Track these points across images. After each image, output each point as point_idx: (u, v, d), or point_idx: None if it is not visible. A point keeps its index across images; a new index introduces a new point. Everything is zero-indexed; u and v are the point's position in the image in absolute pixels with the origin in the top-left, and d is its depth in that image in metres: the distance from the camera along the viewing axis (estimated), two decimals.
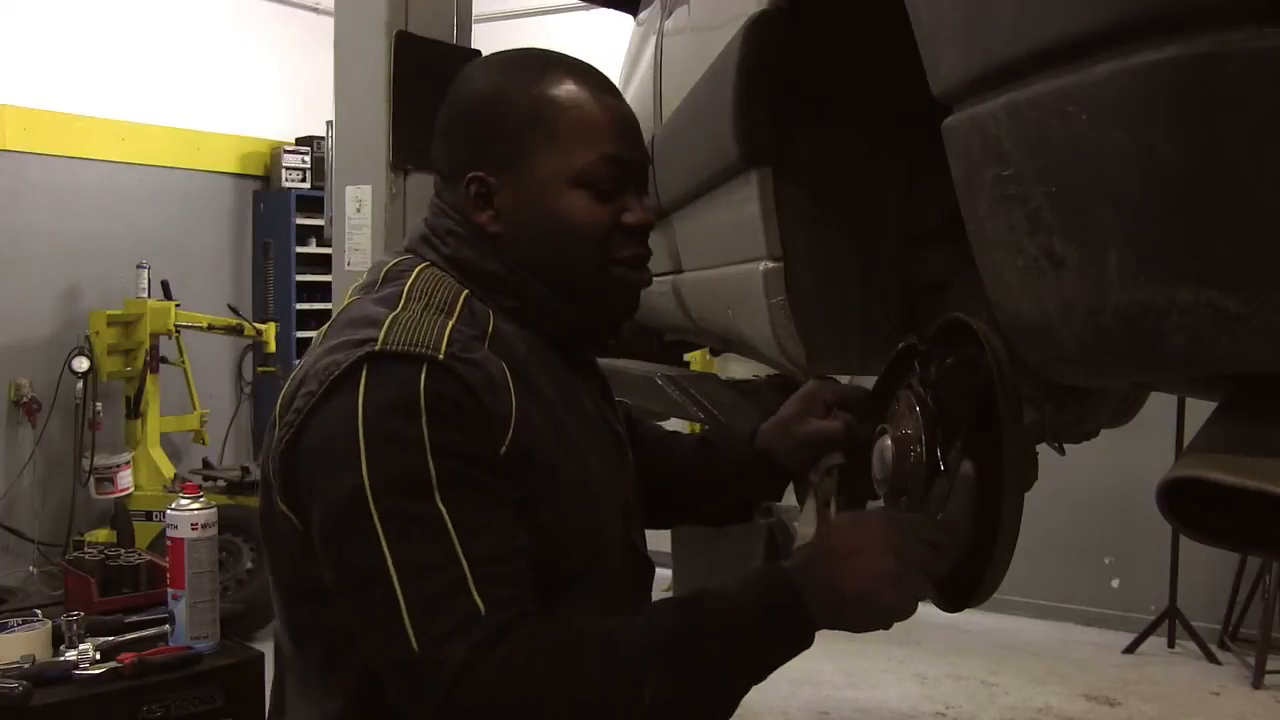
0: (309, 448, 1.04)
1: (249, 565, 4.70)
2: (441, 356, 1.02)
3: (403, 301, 1.10)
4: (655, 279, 2.89)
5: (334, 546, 1.02)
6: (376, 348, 1.03)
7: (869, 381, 1.44)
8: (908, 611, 1.06)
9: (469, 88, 1.20)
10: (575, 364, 1.22)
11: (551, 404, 1.12)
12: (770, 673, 1.09)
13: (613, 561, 1.17)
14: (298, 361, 1.29)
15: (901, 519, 1.11)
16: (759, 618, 1.05)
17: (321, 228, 5.65)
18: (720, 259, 1.92)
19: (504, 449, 1.03)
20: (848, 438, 1.35)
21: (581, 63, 1.21)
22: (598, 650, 1.01)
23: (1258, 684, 4.31)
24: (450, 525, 0.98)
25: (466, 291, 1.14)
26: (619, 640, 1.02)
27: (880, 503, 1.28)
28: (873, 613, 1.07)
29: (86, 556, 2.23)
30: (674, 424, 3.21)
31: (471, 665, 0.95)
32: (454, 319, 1.09)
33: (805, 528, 1.32)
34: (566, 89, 1.15)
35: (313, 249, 6.24)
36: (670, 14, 2.54)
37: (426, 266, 1.16)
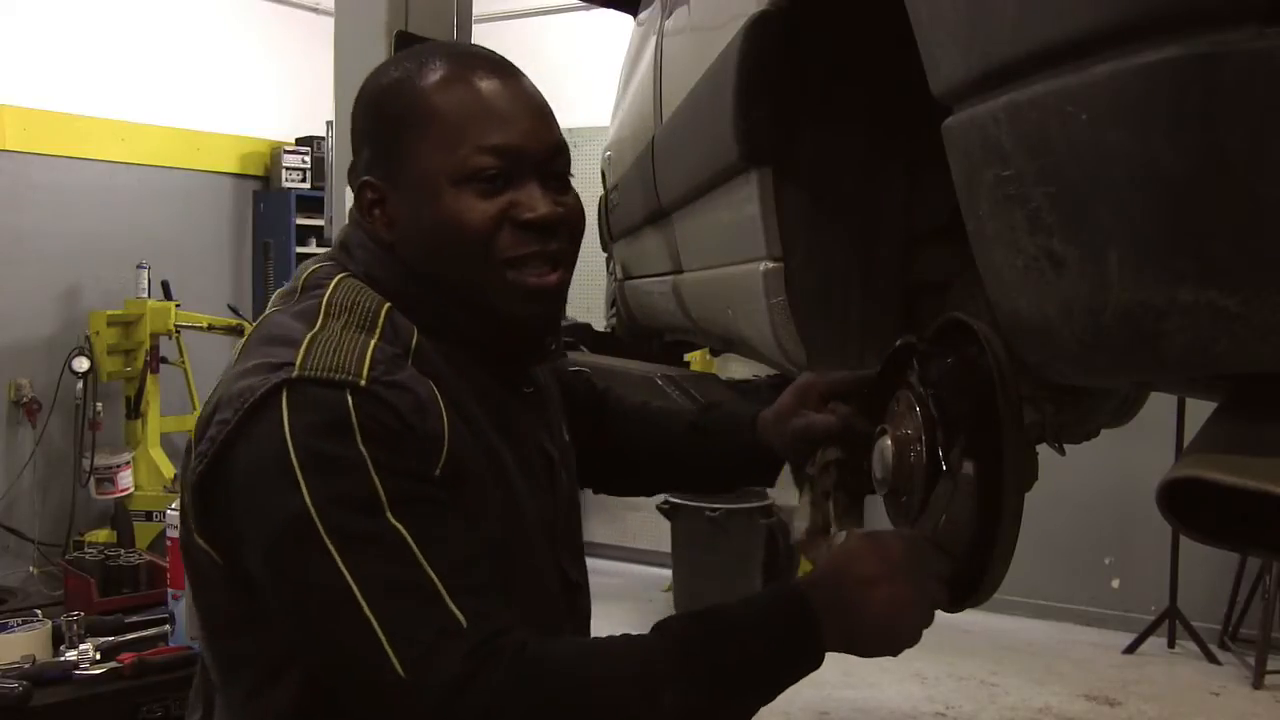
0: (232, 478, 0.97)
1: None
2: (364, 382, 0.96)
3: (321, 317, 1.03)
4: (655, 279, 2.89)
5: (280, 574, 0.95)
6: (294, 373, 0.96)
7: None
8: (916, 641, 1.06)
9: (362, 89, 1.15)
10: (507, 379, 1.13)
11: (479, 424, 1.06)
12: (778, 694, 1.06)
13: (542, 586, 1.13)
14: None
15: (921, 547, 1.08)
16: (771, 635, 1.02)
17: (321, 228, 5.66)
18: (720, 259, 1.92)
19: (438, 470, 0.98)
20: (844, 431, 1.30)
21: (474, 50, 1.12)
22: (606, 658, 0.97)
23: (1258, 684, 4.31)
24: (410, 540, 0.92)
25: (389, 305, 1.06)
26: (626, 649, 0.98)
27: (878, 497, 1.28)
28: (886, 641, 1.05)
29: (86, 556, 2.23)
30: None
31: (468, 678, 0.90)
32: (375, 337, 1.02)
33: (800, 522, 1.31)
34: (445, 79, 1.06)
35: (313, 249, 6.24)
36: (670, 14, 2.54)
37: (345, 276, 1.09)
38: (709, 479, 1.47)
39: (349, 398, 0.95)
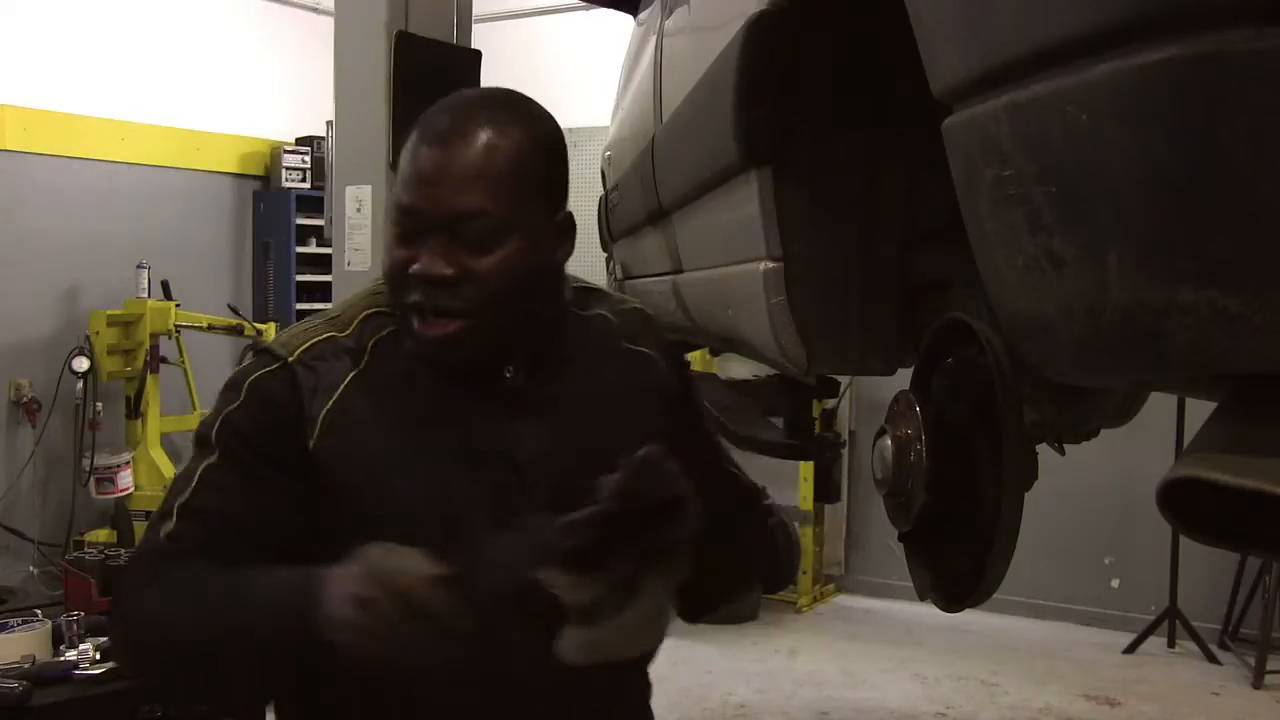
0: None
1: None
2: (292, 358, 1.20)
3: (323, 314, 1.28)
4: (655, 279, 2.89)
5: None
6: (263, 343, 1.25)
7: (869, 381, 1.45)
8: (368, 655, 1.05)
9: None
10: (480, 388, 1.21)
11: (400, 421, 1.20)
12: (267, 654, 1.12)
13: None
14: None
15: (385, 570, 1.05)
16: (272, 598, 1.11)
17: (321, 228, 5.65)
18: (720, 259, 1.92)
19: (311, 443, 1.17)
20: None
21: (450, 107, 1.21)
22: (162, 591, 1.15)
23: (1258, 684, 4.31)
24: (199, 473, 1.18)
25: (371, 310, 1.24)
26: (175, 586, 1.15)
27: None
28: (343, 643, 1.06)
29: (86, 556, 2.23)
30: None
31: (131, 571, 1.20)
32: (335, 331, 1.23)
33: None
34: (415, 131, 1.20)
35: (313, 249, 6.24)
36: (670, 14, 2.54)
37: (378, 283, 1.27)
38: None
39: (264, 368, 1.20)
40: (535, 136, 1.20)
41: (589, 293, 1.34)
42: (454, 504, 1.20)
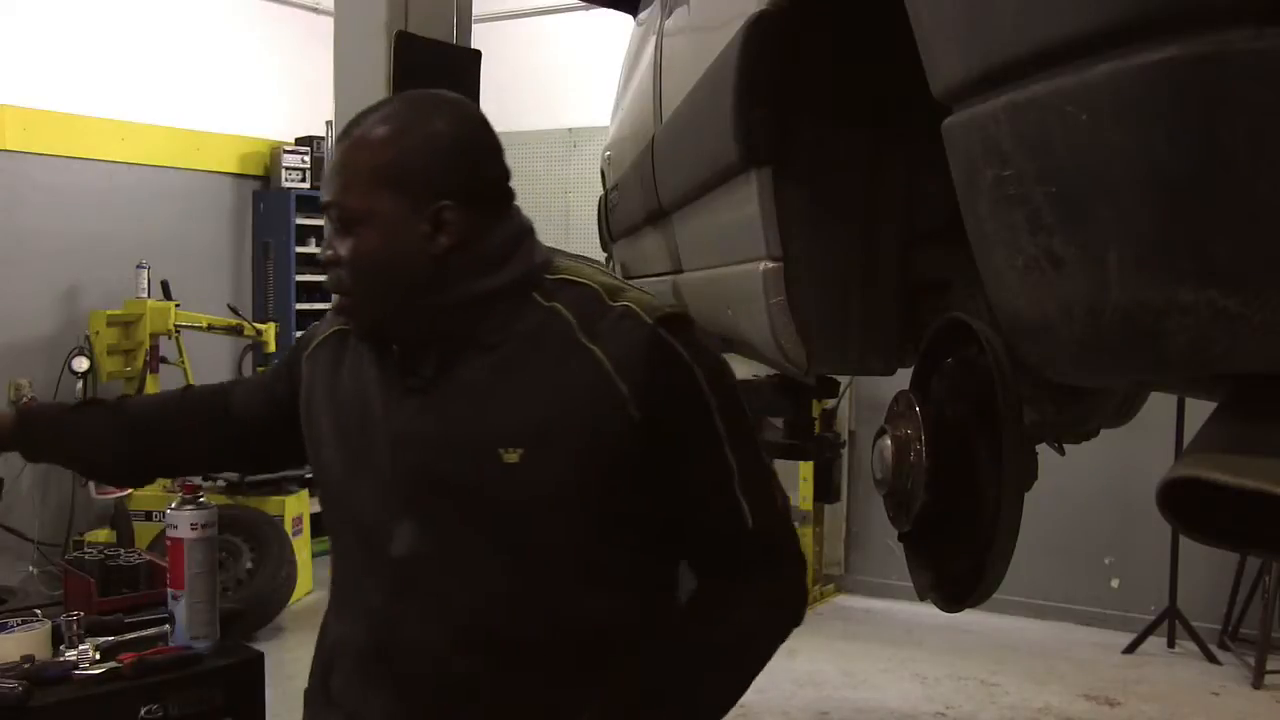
0: None
1: (249, 565, 4.70)
2: (317, 323, 1.52)
3: None
4: (655, 279, 2.89)
5: None
6: None
7: (869, 381, 1.44)
8: None
9: None
10: (384, 367, 1.36)
11: (330, 389, 1.41)
12: None
13: (350, 536, 1.40)
14: None
15: None
16: None
17: (321, 227, 5.64)
18: (720, 259, 1.92)
19: (303, 380, 1.47)
20: None
21: (374, 106, 1.34)
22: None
23: (1258, 684, 4.31)
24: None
25: None
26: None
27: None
28: None
29: (86, 556, 2.22)
30: None
31: None
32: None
33: None
34: None
35: (313, 249, 6.23)
36: (670, 14, 2.54)
37: None
38: None
39: (312, 325, 1.53)
40: (400, 136, 1.28)
41: (565, 284, 1.31)
42: (345, 474, 1.38)
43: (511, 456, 1.25)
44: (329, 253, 1.32)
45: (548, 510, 1.28)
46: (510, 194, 1.35)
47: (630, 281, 1.38)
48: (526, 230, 1.35)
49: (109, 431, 1.62)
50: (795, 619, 1.34)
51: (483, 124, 1.34)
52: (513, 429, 1.27)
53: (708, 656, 1.29)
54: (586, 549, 1.30)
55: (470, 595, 1.30)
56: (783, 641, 1.33)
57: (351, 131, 1.31)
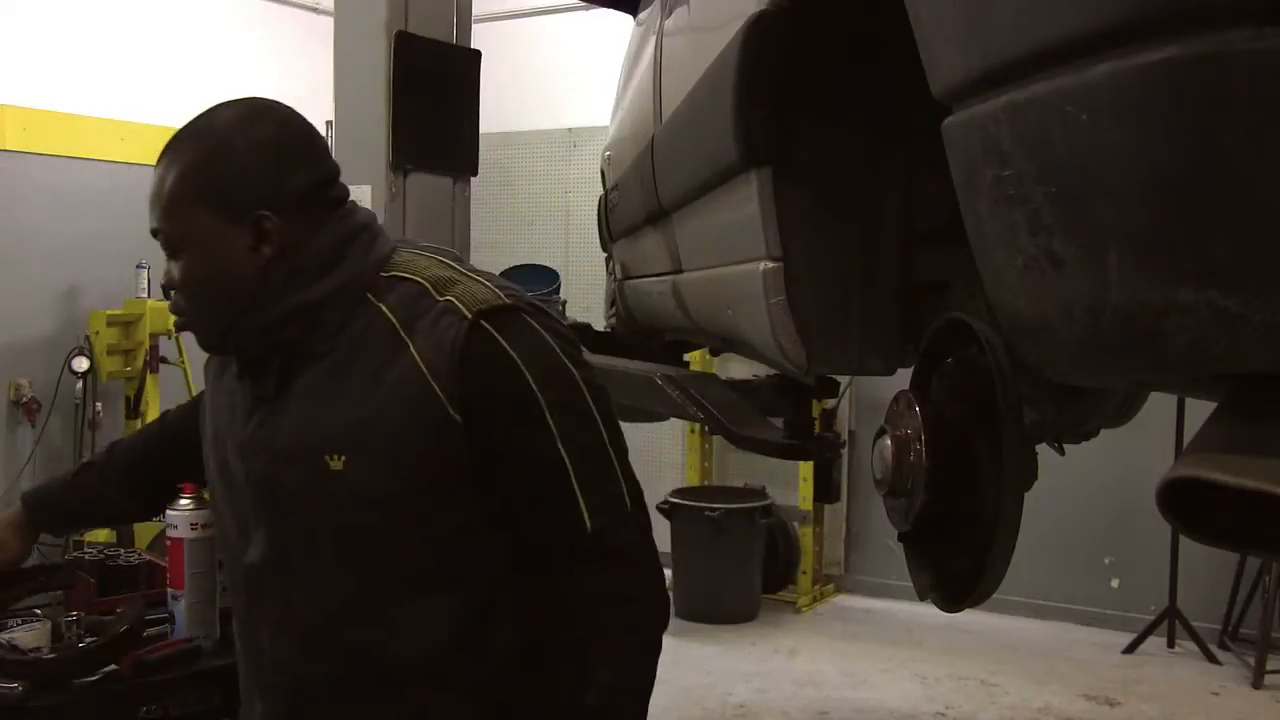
0: None
1: None
2: None
3: None
4: (655, 279, 2.89)
5: None
6: None
7: (869, 381, 1.44)
8: None
9: None
10: (240, 381, 1.36)
11: (210, 399, 1.45)
12: None
13: (226, 545, 1.43)
14: None
15: None
16: None
17: None
18: (720, 259, 1.92)
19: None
20: None
21: (187, 124, 1.38)
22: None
23: (1258, 684, 4.31)
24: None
25: None
26: None
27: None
28: None
29: (86, 556, 2.22)
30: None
31: None
32: None
33: None
34: None
35: None
36: (670, 14, 2.54)
37: None
38: None
39: None
40: (207, 153, 1.29)
41: (395, 282, 1.27)
42: (214, 484, 1.42)
43: (336, 463, 1.23)
44: (166, 278, 1.33)
45: (373, 516, 1.24)
46: (340, 196, 1.32)
47: (481, 273, 1.29)
48: (359, 229, 1.30)
49: (109, 486, 1.71)
50: (657, 620, 1.25)
51: (297, 127, 1.33)
52: (336, 435, 1.24)
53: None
54: (416, 554, 1.25)
55: (312, 602, 1.30)
56: (658, 651, 1.25)
57: (164, 155, 1.33)
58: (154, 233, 1.32)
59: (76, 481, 1.74)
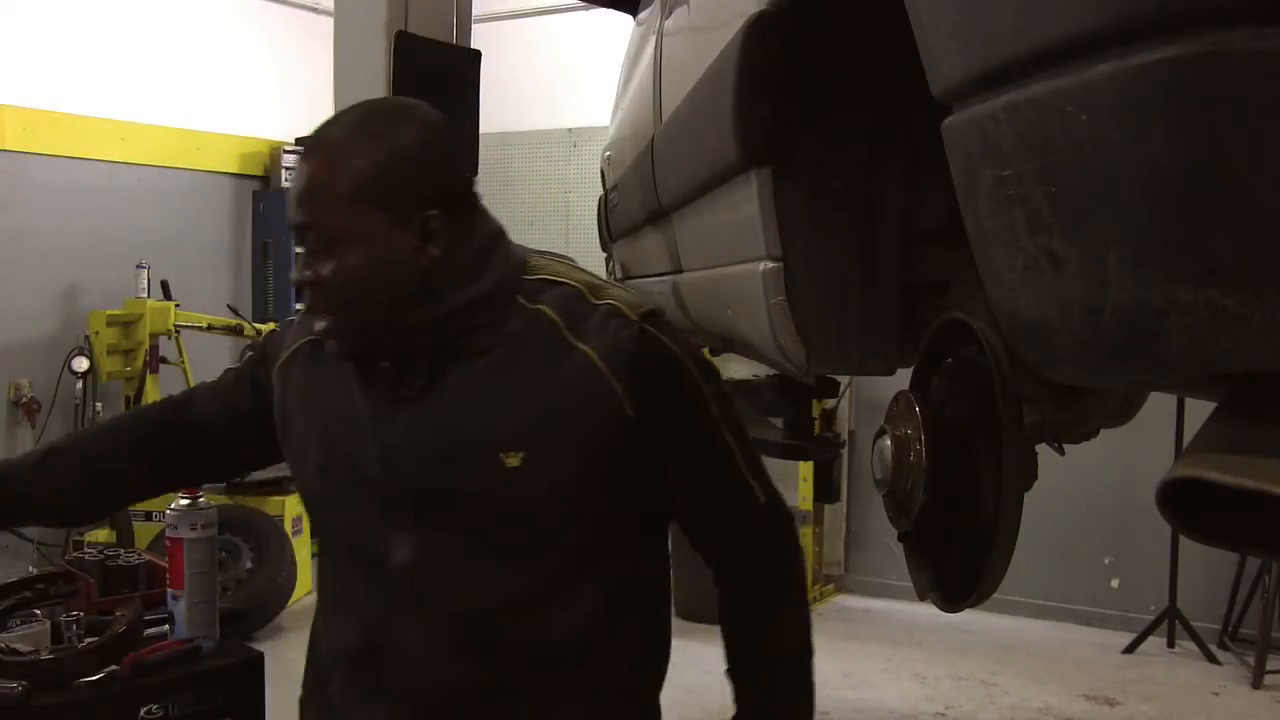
0: None
1: (249, 565, 4.70)
2: (277, 326, 1.55)
3: None
4: (654, 279, 2.89)
5: None
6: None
7: (869, 381, 1.45)
8: None
9: None
10: (370, 380, 1.33)
11: (313, 383, 1.39)
12: None
13: (342, 545, 1.39)
14: None
15: None
16: None
17: None
18: (720, 259, 1.92)
19: (273, 389, 1.44)
20: None
21: (324, 123, 1.32)
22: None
23: (1257, 684, 4.31)
24: (221, 379, 1.56)
25: None
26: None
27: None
28: None
29: (86, 556, 2.22)
30: None
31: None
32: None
33: None
34: None
35: None
36: (670, 14, 2.54)
37: None
38: None
39: (270, 334, 1.54)
40: (377, 149, 1.25)
41: (546, 285, 1.31)
42: (333, 487, 1.37)
43: (513, 460, 1.26)
44: (306, 274, 1.28)
45: (548, 511, 1.29)
46: (478, 196, 1.34)
47: (607, 279, 1.38)
48: (500, 232, 1.34)
49: (52, 481, 1.55)
50: (803, 570, 1.42)
51: (447, 127, 1.33)
52: (511, 433, 1.26)
53: (790, 666, 1.41)
54: (576, 546, 1.31)
55: (472, 601, 1.30)
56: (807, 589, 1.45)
57: (318, 149, 1.27)
58: (302, 228, 1.27)
59: (44, 466, 1.56)
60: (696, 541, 1.39)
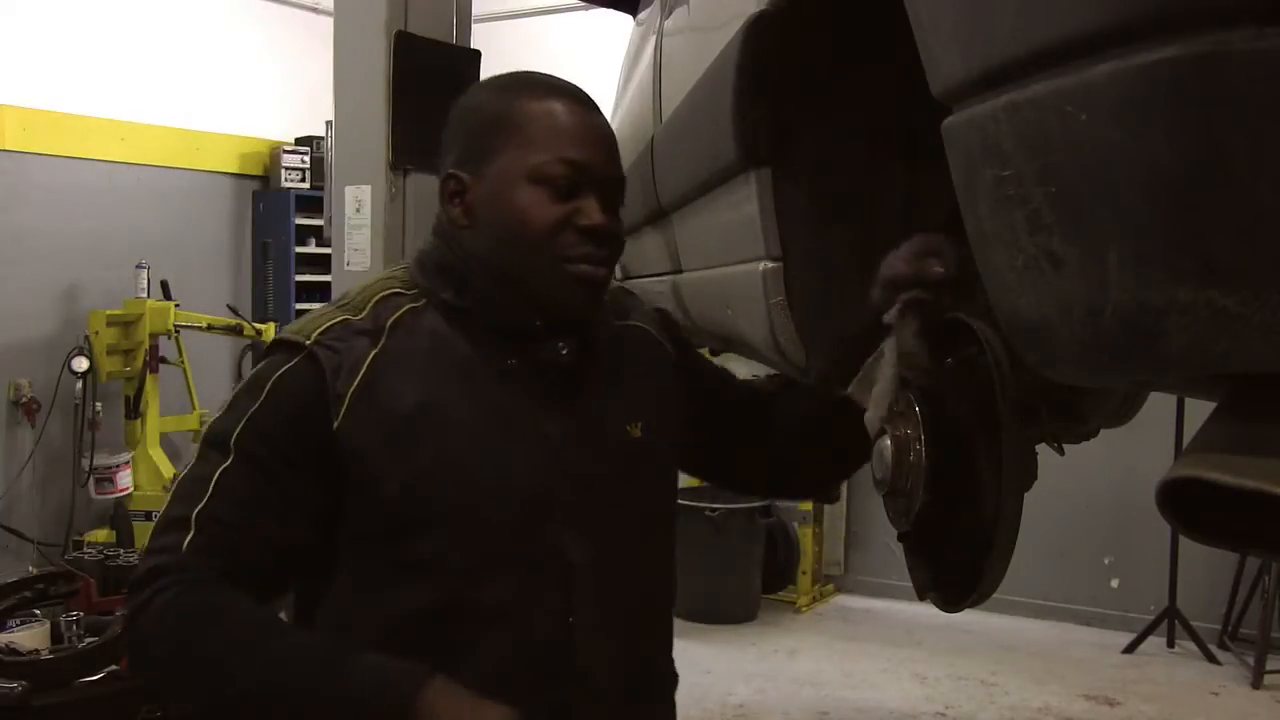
0: None
1: None
2: (310, 341, 1.21)
3: (334, 301, 1.31)
4: (654, 279, 2.89)
5: None
6: (279, 335, 1.27)
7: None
8: None
9: (463, 100, 1.35)
10: (524, 359, 1.26)
11: (433, 391, 1.22)
12: None
13: (505, 552, 1.23)
14: None
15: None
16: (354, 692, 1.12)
17: (321, 228, 5.65)
18: (720, 259, 1.92)
19: (336, 423, 1.18)
20: (919, 276, 1.30)
21: (567, 84, 1.30)
22: (206, 623, 1.16)
23: (1257, 684, 4.31)
24: (215, 479, 1.18)
25: (386, 292, 1.28)
26: (225, 621, 1.16)
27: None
28: None
29: (86, 556, 2.23)
30: None
31: (151, 584, 1.15)
32: (350, 315, 1.25)
33: (880, 378, 1.31)
34: (541, 99, 1.26)
35: (312, 249, 6.24)
36: (670, 14, 2.54)
37: (393, 269, 1.35)
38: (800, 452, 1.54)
39: (289, 362, 1.21)
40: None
41: None
42: (479, 490, 1.23)
43: (635, 431, 1.33)
44: (615, 224, 1.27)
45: (666, 478, 1.41)
46: None
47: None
48: None
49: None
50: None
51: None
52: (627, 405, 1.34)
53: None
54: (675, 509, 1.44)
55: (638, 582, 1.33)
56: None
57: (589, 103, 1.29)
58: (612, 180, 1.27)
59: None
60: (750, 400, 1.53)
